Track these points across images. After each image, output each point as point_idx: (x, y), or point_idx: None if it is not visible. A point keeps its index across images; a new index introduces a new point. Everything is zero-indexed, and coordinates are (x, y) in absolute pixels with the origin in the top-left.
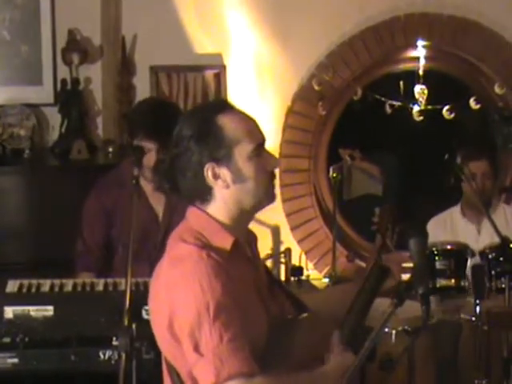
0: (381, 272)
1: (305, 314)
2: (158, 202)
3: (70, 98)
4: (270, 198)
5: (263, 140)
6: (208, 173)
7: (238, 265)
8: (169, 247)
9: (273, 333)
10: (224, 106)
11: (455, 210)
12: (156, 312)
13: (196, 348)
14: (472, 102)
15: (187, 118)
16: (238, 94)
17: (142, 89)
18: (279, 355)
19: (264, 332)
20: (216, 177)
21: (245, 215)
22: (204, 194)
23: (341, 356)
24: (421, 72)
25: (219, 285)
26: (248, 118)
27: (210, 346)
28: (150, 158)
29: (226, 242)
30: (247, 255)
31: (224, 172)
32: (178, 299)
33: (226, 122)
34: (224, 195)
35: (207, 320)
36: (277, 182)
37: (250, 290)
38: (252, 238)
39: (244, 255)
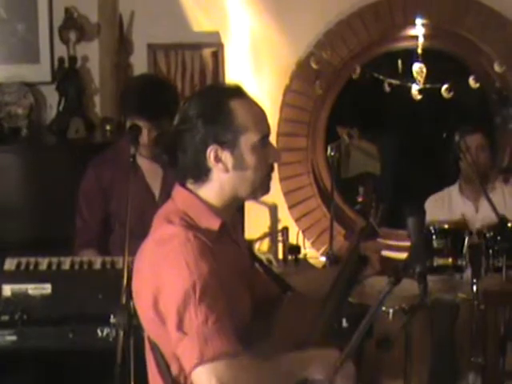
0: (359, 261)
1: (289, 294)
2: (154, 181)
3: (68, 76)
4: (265, 190)
5: (269, 132)
6: (210, 154)
7: (223, 247)
8: (154, 228)
9: (257, 313)
10: (238, 92)
11: (453, 188)
12: (140, 291)
13: (180, 327)
14: (471, 81)
15: (198, 96)
16: (235, 72)
17: (140, 67)
18: (263, 335)
19: (248, 313)
20: (217, 160)
21: (236, 201)
22: (201, 174)
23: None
24: (419, 50)
25: (206, 266)
26: (259, 109)
27: (195, 326)
28: (143, 136)
29: (213, 223)
30: (232, 237)
31: (226, 156)
32: (164, 278)
33: (237, 107)
34: (221, 179)
35: (193, 300)
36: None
37: (235, 272)
38: (236, 220)
39: (229, 237)
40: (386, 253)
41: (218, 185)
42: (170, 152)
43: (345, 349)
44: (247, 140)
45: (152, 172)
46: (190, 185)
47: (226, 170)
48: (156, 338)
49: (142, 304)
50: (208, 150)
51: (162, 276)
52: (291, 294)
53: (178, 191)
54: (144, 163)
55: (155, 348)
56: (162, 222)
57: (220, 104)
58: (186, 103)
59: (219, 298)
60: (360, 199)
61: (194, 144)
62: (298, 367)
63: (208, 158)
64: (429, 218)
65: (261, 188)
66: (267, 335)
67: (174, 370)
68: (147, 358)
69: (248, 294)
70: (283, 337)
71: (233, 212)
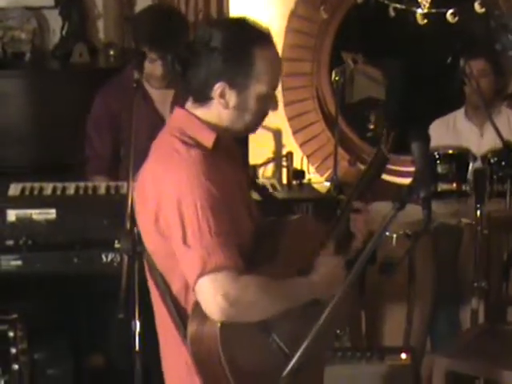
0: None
1: (295, 216)
2: (164, 108)
3: (71, 0)
4: (254, 130)
5: (277, 85)
6: (218, 89)
7: (222, 163)
8: (155, 146)
9: (259, 234)
10: (266, 40)
11: (459, 113)
12: (142, 208)
13: (184, 241)
14: (477, 6)
15: (227, 29)
16: None
17: None
18: (267, 257)
19: (250, 232)
20: (222, 96)
21: (228, 131)
22: (202, 98)
23: (329, 259)
24: None
25: (207, 180)
26: (278, 63)
27: (198, 238)
28: (156, 68)
29: (208, 137)
30: (228, 155)
31: (231, 96)
32: (166, 193)
33: (259, 56)
34: (220, 111)
35: (195, 214)
36: (279, 85)
37: (234, 190)
38: (231, 139)
39: (225, 155)
40: (390, 178)
41: (215, 114)
42: (183, 64)
43: (348, 274)
44: (256, 89)
45: (162, 98)
46: (189, 104)
47: (226, 107)
48: (156, 255)
49: (144, 222)
50: (217, 85)
51: (163, 192)
52: (296, 217)
53: (175, 111)
54: (154, 92)
55: (153, 267)
56: (163, 139)
57: (244, 48)
58: (214, 28)
59: (222, 212)
60: (371, 127)
61: (207, 73)
62: (306, 291)
63: (214, 90)
64: (433, 142)
65: (251, 129)
66: (272, 258)
67: (175, 288)
68: (148, 279)
69: (248, 212)
70: (289, 259)
71: (227, 137)
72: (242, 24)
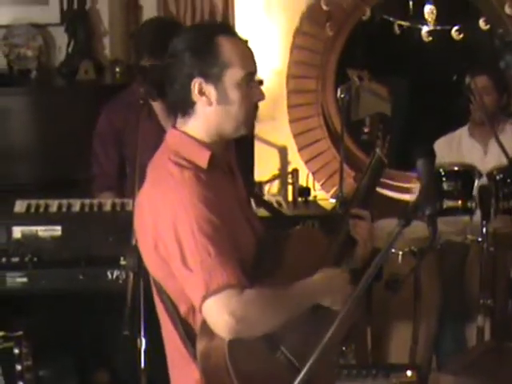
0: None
1: (297, 227)
2: (167, 123)
3: (77, 17)
4: (248, 127)
5: (255, 70)
6: (195, 87)
7: (217, 181)
8: (150, 170)
9: (262, 247)
10: (226, 29)
11: (463, 130)
12: (142, 233)
13: (185, 264)
14: (481, 23)
15: (187, 31)
16: (245, 14)
17: (149, 8)
18: (271, 269)
19: (251, 245)
20: (201, 93)
21: (221, 138)
22: (187, 107)
23: (331, 269)
24: None
25: (203, 202)
26: (246, 46)
27: (198, 261)
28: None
29: (203, 156)
30: (225, 171)
31: (210, 90)
32: (162, 219)
33: (224, 43)
34: (206, 112)
35: (192, 237)
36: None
37: (233, 205)
38: (229, 155)
39: (222, 171)
40: (395, 194)
41: (203, 118)
42: (158, 85)
43: (353, 291)
44: (232, 75)
45: (165, 113)
46: (179, 122)
47: (210, 104)
48: (161, 279)
49: (144, 247)
50: (193, 83)
51: (159, 216)
52: (299, 228)
53: (169, 132)
54: (157, 106)
55: (161, 290)
56: (158, 163)
57: (207, 39)
58: (176, 38)
59: (220, 231)
60: (366, 130)
61: (180, 77)
62: (309, 297)
63: (193, 91)
64: (438, 159)
65: (244, 125)
66: (275, 270)
67: (183, 310)
68: (155, 300)
69: (249, 227)
70: (292, 272)
71: (222, 148)
72: (202, 22)
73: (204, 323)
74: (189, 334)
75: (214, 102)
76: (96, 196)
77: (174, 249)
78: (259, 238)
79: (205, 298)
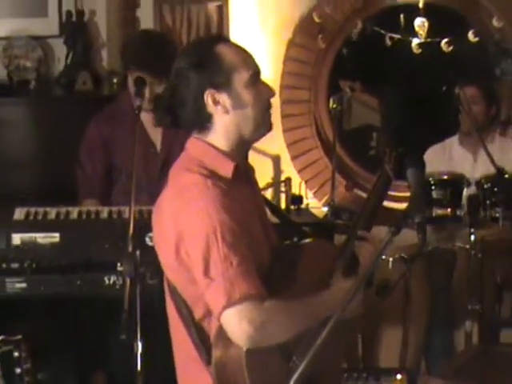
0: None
1: (308, 240)
2: (155, 132)
3: (75, 29)
4: (268, 126)
5: (259, 70)
6: (208, 99)
7: (239, 190)
8: (172, 178)
9: (276, 258)
10: (222, 38)
11: (454, 139)
12: (161, 241)
13: (206, 273)
14: (470, 35)
15: (185, 50)
16: (239, 26)
17: (146, 21)
18: (283, 280)
19: (267, 257)
20: (216, 103)
21: (243, 143)
22: (204, 122)
23: (343, 280)
24: (421, 5)
25: (225, 211)
26: (244, 49)
27: (220, 270)
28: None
29: (227, 167)
30: (245, 180)
31: (224, 98)
32: (186, 226)
33: (224, 50)
34: (224, 121)
35: (216, 246)
36: (278, 112)
37: (253, 214)
38: (250, 170)
39: (243, 180)
40: (385, 203)
41: (222, 128)
42: (170, 110)
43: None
44: (239, 78)
45: (151, 120)
46: (197, 135)
47: (226, 112)
48: (179, 284)
49: (163, 253)
50: (205, 96)
51: (183, 224)
52: (311, 240)
53: (190, 141)
54: (144, 116)
55: (176, 294)
56: (181, 172)
57: (207, 50)
58: (177, 59)
59: (241, 241)
60: (374, 145)
61: (191, 94)
62: (324, 308)
63: (207, 104)
64: (429, 168)
65: (263, 124)
66: (288, 280)
67: (198, 315)
68: (167, 303)
69: (266, 239)
70: (305, 282)
71: (243, 156)
72: (197, 38)
73: (220, 331)
74: (202, 339)
75: (229, 108)
76: (79, 203)
77: (197, 256)
78: (273, 247)
79: (225, 307)
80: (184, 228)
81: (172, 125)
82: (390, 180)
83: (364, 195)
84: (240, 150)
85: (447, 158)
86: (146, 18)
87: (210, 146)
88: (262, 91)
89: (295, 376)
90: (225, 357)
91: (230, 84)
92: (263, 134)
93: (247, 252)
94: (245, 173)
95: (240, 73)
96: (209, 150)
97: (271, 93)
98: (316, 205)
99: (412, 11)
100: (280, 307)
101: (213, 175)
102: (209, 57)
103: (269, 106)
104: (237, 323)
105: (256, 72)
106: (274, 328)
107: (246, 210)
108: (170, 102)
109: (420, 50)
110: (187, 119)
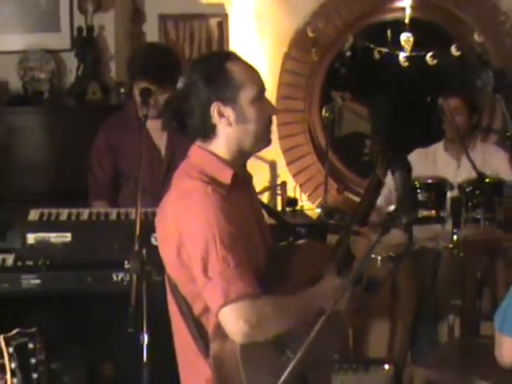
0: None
1: (302, 241)
2: (160, 138)
3: (86, 44)
4: (267, 141)
5: (264, 88)
6: (214, 111)
7: (237, 196)
8: (175, 183)
9: (271, 259)
10: (233, 56)
11: (439, 145)
12: (164, 241)
13: (205, 273)
14: (453, 49)
15: (197, 63)
16: (239, 40)
17: (152, 35)
18: (278, 280)
19: (263, 258)
20: (221, 115)
21: (242, 154)
22: (208, 131)
23: (332, 277)
24: (407, 21)
25: (224, 216)
26: (253, 68)
27: (218, 271)
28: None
29: (226, 174)
30: (243, 186)
31: (228, 112)
32: (186, 229)
33: (234, 67)
34: (227, 133)
35: (214, 248)
36: (274, 120)
37: (250, 218)
38: (248, 177)
39: (241, 186)
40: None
41: (224, 139)
42: (178, 117)
43: (335, 293)
44: (245, 95)
45: (157, 130)
46: (200, 143)
47: (230, 124)
48: (179, 281)
49: (166, 252)
50: (212, 107)
51: (184, 227)
52: (305, 241)
53: (193, 149)
54: (150, 123)
55: (176, 290)
56: (184, 177)
57: (219, 66)
58: (188, 70)
59: (239, 244)
60: (367, 151)
61: (199, 104)
62: (314, 303)
63: (212, 115)
64: (413, 171)
65: (262, 139)
66: (283, 282)
67: (197, 310)
68: (168, 299)
69: (263, 242)
70: (299, 281)
71: (242, 166)
72: (211, 52)
73: (217, 327)
74: (201, 333)
75: (233, 122)
76: (89, 204)
77: (196, 256)
78: (269, 249)
79: (223, 305)
80: (185, 231)
81: (179, 130)
82: (382, 184)
83: (354, 198)
84: (239, 159)
85: (431, 162)
86: (152, 33)
87: (211, 154)
88: (265, 108)
89: (289, 368)
90: (222, 351)
91: (236, 99)
92: (262, 148)
93: (244, 254)
94: (243, 179)
95: (246, 89)
96: (210, 158)
97: (274, 111)
98: (310, 207)
99: (399, 27)
100: (273, 304)
101: (213, 182)
102: (219, 72)
103: (270, 122)
104: (234, 321)
105: (261, 90)
106: (268, 323)
107: (243, 214)
108: (179, 108)
109: (407, 63)
110: (193, 127)
